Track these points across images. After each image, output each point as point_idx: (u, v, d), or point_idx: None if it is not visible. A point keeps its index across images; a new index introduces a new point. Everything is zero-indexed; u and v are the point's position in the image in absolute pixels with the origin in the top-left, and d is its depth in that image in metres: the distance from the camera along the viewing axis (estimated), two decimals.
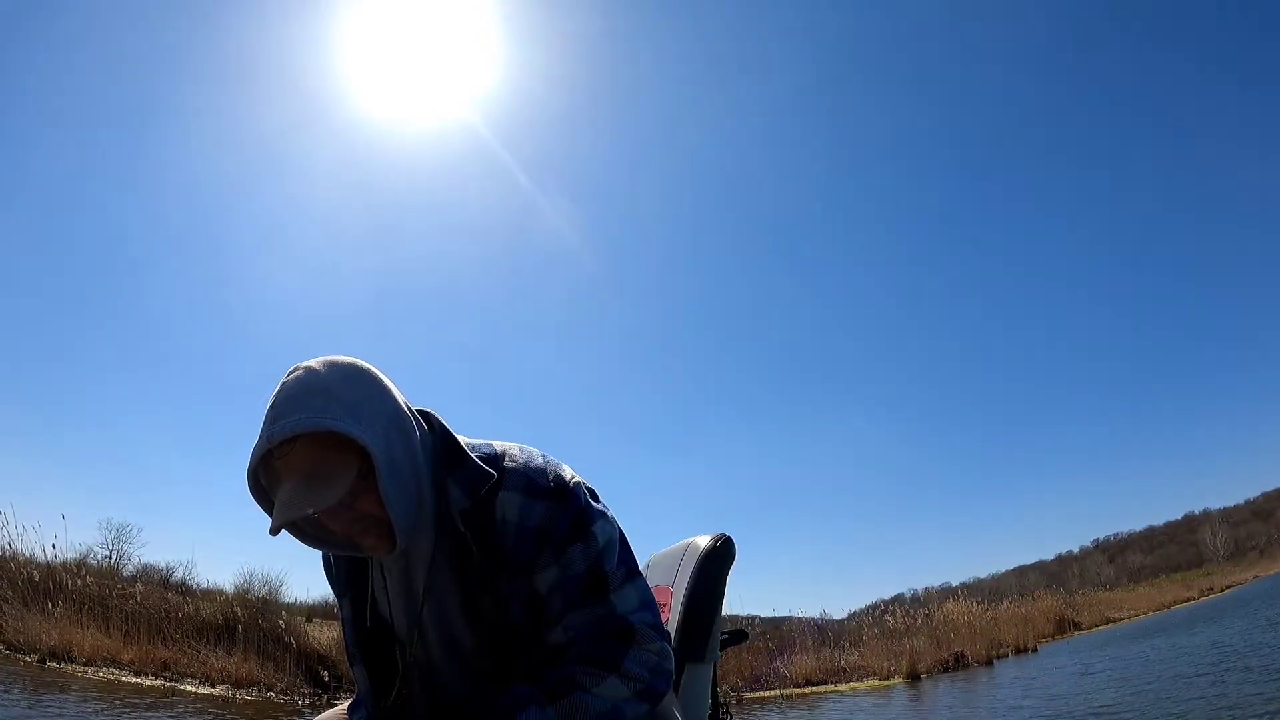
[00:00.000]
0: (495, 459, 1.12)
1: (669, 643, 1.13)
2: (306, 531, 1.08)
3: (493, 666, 1.13)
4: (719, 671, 1.70)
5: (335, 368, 1.04)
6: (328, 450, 0.98)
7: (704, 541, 1.59)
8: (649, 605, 1.13)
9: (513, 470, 1.10)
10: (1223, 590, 26.57)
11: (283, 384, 1.01)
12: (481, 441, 1.17)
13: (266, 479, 1.01)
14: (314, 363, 1.04)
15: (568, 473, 1.14)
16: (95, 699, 6.56)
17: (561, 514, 1.08)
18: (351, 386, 1.02)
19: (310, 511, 0.96)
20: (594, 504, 1.14)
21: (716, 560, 1.56)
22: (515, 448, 1.16)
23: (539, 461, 1.13)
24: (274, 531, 0.97)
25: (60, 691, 6.66)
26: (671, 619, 1.53)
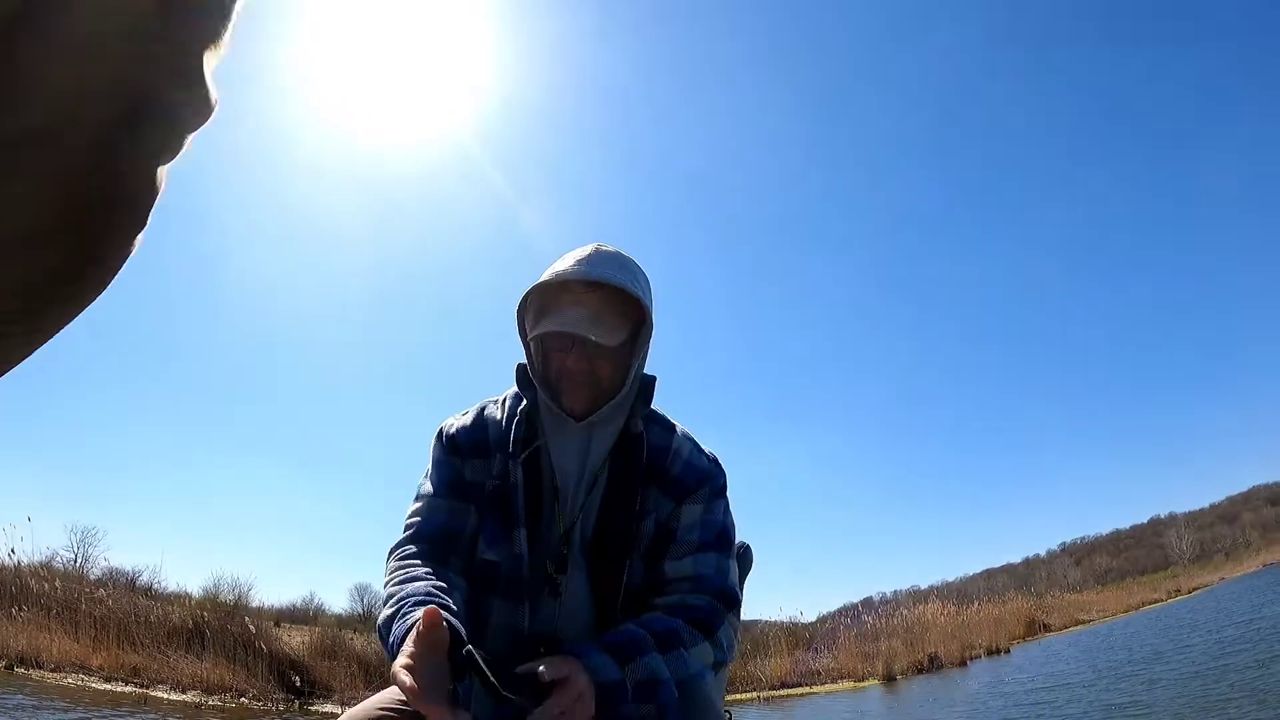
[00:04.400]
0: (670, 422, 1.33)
1: None
2: (556, 348, 1.22)
3: (604, 570, 1.19)
4: None
5: (636, 263, 1.26)
6: (615, 308, 1.20)
7: None
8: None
9: (686, 432, 1.32)
10: (1190, 592, 27.07)
11: (596, 248, 1.23)
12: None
13: (541, 299, 1.22)
14: (618, 249, 1.26)
15: None
16: (72, 706, 6.44)
17: (719, 474, 1.30)
18: (646, 281, 1.26)
19: (591, 338, 1.14)
20: None
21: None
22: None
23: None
24: (536, 335, 1.18)
25: (31, 697, 6.53)
26: None
